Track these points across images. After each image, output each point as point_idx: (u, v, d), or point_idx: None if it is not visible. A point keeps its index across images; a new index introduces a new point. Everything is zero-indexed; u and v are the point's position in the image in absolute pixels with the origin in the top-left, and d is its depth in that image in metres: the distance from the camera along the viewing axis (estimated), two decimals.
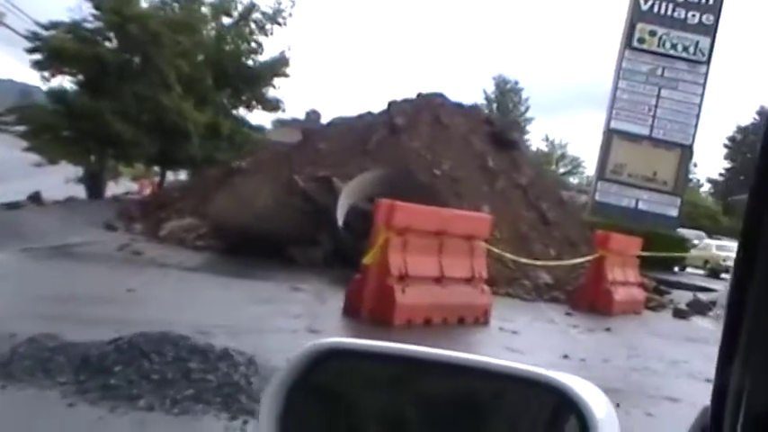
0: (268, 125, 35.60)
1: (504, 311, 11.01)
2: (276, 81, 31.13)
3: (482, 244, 10.20)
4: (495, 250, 11.35)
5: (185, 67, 20.55)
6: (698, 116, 31.54)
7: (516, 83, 71.79)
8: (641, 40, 31.26)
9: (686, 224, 50.22)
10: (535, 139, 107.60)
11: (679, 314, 14.60)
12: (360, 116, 17.61)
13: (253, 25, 30.89)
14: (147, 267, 10.80)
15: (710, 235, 42.22)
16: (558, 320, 11.30)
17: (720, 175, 75.56)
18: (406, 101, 16.86)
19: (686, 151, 32.59)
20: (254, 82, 30.49)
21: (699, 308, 15.85)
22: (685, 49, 31.20)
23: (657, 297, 15.76)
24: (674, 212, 31.89)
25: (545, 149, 77.97)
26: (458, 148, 15.87)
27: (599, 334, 10.58)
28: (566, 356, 8.25)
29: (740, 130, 72.76)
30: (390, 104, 16.37)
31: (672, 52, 31.10)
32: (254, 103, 31.54)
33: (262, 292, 9.81)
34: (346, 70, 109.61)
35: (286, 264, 12.72)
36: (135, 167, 32.55)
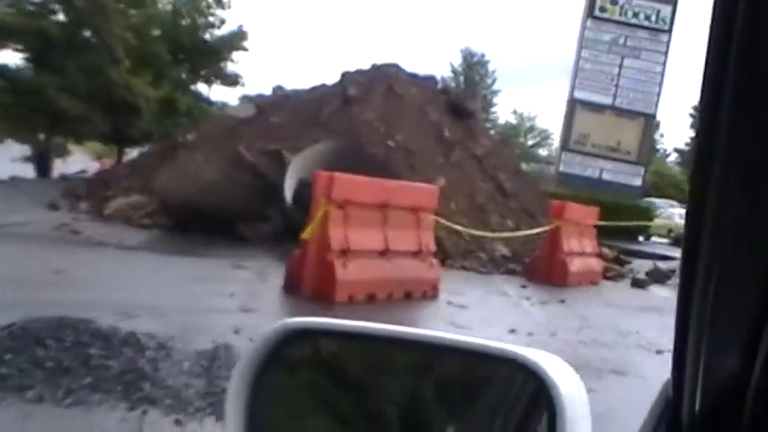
0: (235, 101, 35.02)
1: (456, 285, 10.72)
2: (235, 55, 30.53)
3: (429, 216, 9.87)
4: (444, 222, 10.99)
5: (133, 41, 19.88)
6: (660, 85, 31.45)
7: (483, 55, 71.45)
8: (603, 9, 31.02)
9: (653, 194, 50.52)
10: (503, 111, 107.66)
11: (637, 284, 14.43)
12: (314, 88, 17.16)
13: None
14: (82, 247, 10.35)
15: (683, 204, 42.31)
16: (512, 293, 11.03)
17: (686, 144, 75.94)
18: (359, 71, 16.43)
19: (649, 120, 32.55)
20: (212, 57, 29.88)
21: (658, 276, 15.70)
22: (647, 17, 31.02)
23: (617, 267, 15.58)
24: (638, 182, 31.90)
25: (513, 122, 77.88)
26: (412, 119, 15.50)
27: (552, 306, 10.33)
28: (513, 331, 7.97)
29: None
30: (343, 75, 15.94)
31: (634, 21, 30.91)
32: (213, 78, 30.94)
33: (200, 271, 9.42)
34: (313, 44, 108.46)
35: (234, 241, 12.32)
36: (86, 145, 31.80)
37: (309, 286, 8.37)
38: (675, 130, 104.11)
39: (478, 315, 8.93)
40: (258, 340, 0.96)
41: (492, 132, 72.23)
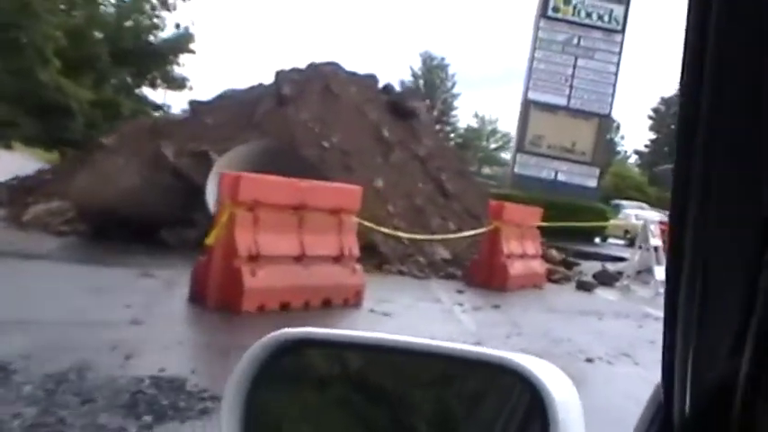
0: (183, 105, 34.19)
1: (385, 291, 10.14)
2: (183, 58, 29.75)
3: (352, 218, 9.26)
4: (367, 224, 10.39)
5: (71, 42, 19.06)
6: (615, 85, 31.27)
7: (443, 59, 71.32)
8: (556, 9, 30.75)
9: (615, 196, 50.48)
10: (465, 115, 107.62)
11: (582, 287, 13.97)
12: (251, 88, 16.51)
13: (154, 0, 29.41)
14: None
15: (656, 207, 42.19)
16: (445, 299, 10.46)
17: (646, 146, 76.42)
18: (295, 70, 15.81)
19: (604, 121, 32.36)
20: (157, 59, 29.06)
21: (605, 279, 15.28)
22: (600, 17, 30.80)
23: (563, 269, 15.10)
24: (593, 183, 31.68)
25: (475, 125, 77.71)
26: (350, 119, 14.90)
27: (484, 312, 9.77)
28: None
29: (664, 101, 73.51)
30: (278, 74, 15.30)
31: (587, 21, 30.67)
32: (159, 81, 30.11)
33: (103, 280, 8.71)
34: (271, 47, 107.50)
35: (155, 247, 11.60)
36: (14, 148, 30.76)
37: (215, 296, 7.72)
38: (635, 132, 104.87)
39: (401, 324, 8.35)
40: (252, 351, 0.95)
41: (452, 135, 71.71)
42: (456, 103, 70.47)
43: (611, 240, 34.07)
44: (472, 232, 12.76)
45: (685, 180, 0.71)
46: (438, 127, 69.62)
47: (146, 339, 6.23)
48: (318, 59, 16.21)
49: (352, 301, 8.90)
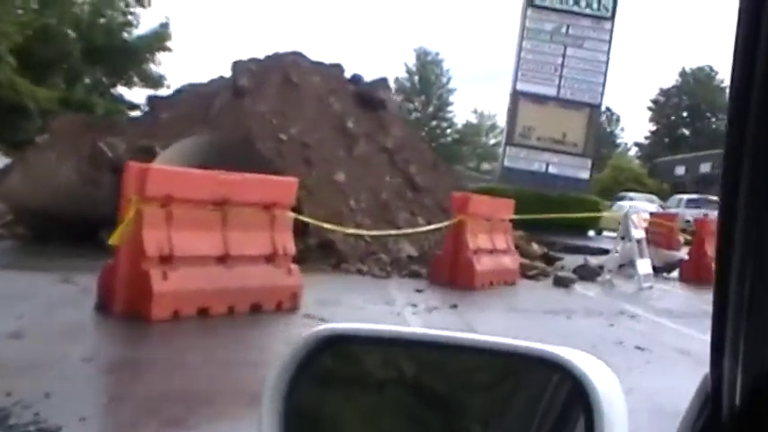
0: None
1: (333, 293, 9.36)
2: (159, 56, 28.97)
3: (287, 214, 8.43)
4: (309, 220, 9.56)
5: (17, 37, 18.24)
6: (605, 74, 30.38)
7: (437, 54, 70.62)
8: None
9: (616, 189, 49.62)
10: (463, 111, 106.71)
11: (560, 282, 13.11)
12: (211, 81, 15.70)
13: None
14: None
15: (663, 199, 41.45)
16: (400, 300, 9.62)
17: (645, 138, 75.59)
18: (253, 60, 14.99)
19: (595, 111, 31.51)
20: (132, 57, 28.26)
21: (586, 273, 14.43)
22: (589, 4, 29.91)
23: (541, 265, 14.25)
24: (585, 175, 30.78)
25: (474, 121, 76.80)
26: (311, 111, 14.08)
27: (439, 314, 8.93)
28: None
29: (663, 92, 72.66)
30: (235, 65, 14.48)
31: (575, 9, 29.78)
32: (135, 79, 29.32)
33: (10, 287, 7.89)
34: (255, 45, 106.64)
35: (93, 250, 10.77)
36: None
37: (121, 302, 6.90)
38: (636, 124, 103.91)
39: None
40: (292, 348, 0.95)
41: (449, 131, 70.76)
42: (452, 99, 69.62)
43: (606, 233, 33.16)
44: (433, 226, 11.94)
45: (734, 174, 0.70)
46: (434, 123, 69.09)
47: (16, 356, 5.42)
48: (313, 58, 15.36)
49: (286, 304, 8.07)
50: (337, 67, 15.71)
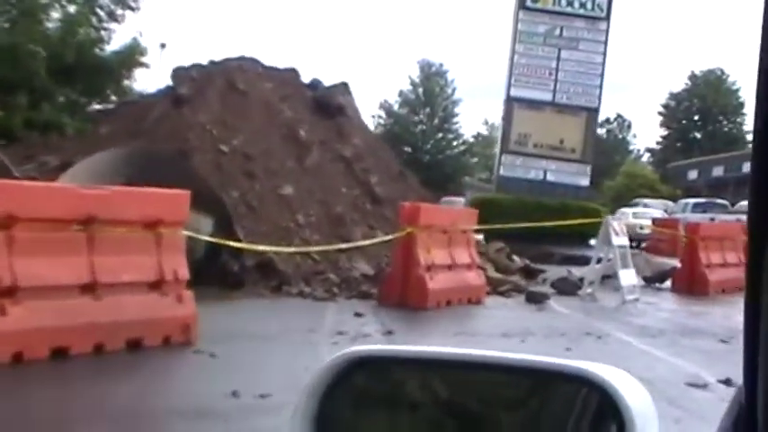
0: None
1: (248, 321, 8.25)
2: (135, 72, 27.92)
3: (178, 232, 7.23)
4: (193, 235, 8.34)
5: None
6: (602, 76, 28.99)
7: (441, 65, 69.46)
8: None
9: (631, 196, 48.30)
10: (473, 122, 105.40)
11: (533, 299, 11.84)
12: (158, 90, 14.61)
13: (100, 11, 27.69)
14: None
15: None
16: (328, 327, 8.38)
17: (657, 143, 74.14)
18: (196, 66, 13.90)
19: (593, 115, 30.06)
20: (107, 75, 27.22)
21: (566, 287, 13.15)
22: (582, 4, 28.62)
23: (514, 279, 12.97)
24: (584, 182, 29.37)
25: (485, 132, 75.43)
26: (259, 119, 12.94)
27: (366, 342, 7.68)
28: (234, 393, 5.34)
29: (673, 96, 71.17)
30: (174, 72, 13.37)
31: (568, 10, 28.49)
32: (112, 97, 28.28)
33: None
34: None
35: None
36: None
37: None
38: (647, 130, 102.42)
39: (229, 365, 6.34)
40: (320, 369, 0.96)
41: (455, 143, 69.41)
42: (457, 110, 68.38)
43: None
44: (376, 240, 10.72)
45: (764, 181, 0.70)
46: (440, 135, 67.90)
47: None
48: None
49: (177, 338, 6.87)
50: (292, 72, 14.58)
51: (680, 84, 73.01)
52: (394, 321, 8.98)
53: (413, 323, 8.99)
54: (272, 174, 12.12)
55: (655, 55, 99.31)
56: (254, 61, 14.25)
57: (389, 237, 10.53)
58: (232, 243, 9.39)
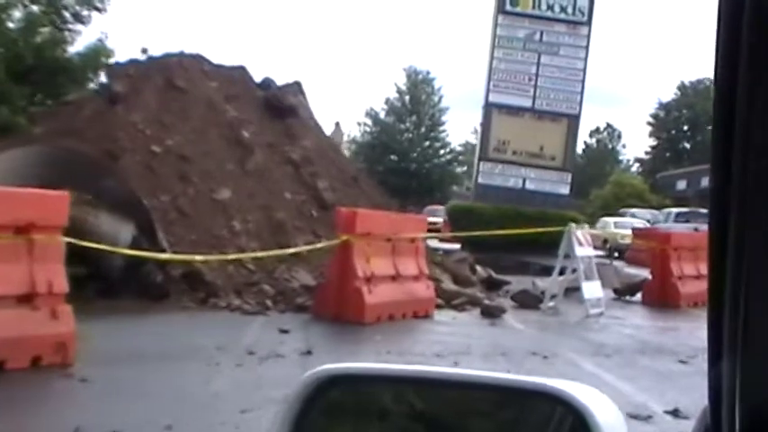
0: None
1: (154, 339, 7.29)
2: (102, 73, 27.11)
3: (57, 239, 6.36)
4: (90, 245, 7.45)
5: None
6: (583, 82, 28.22)
7: (428, 73, 68.75)
8: (514, 3, 27.82)
9: (618, 206, 47.69)
10: (461, 131, 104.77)
11: (488, 313, 11.00)
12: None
13: (65, 12, 26.92)
14: None
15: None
16: (242, 346, 7.48)
17: (646, 153, 73.70)
18: (133, 62, 13.06)
19: (573, 122, 29.24)
20: (71, 76, 26.39)
21: (528, 300, 12.32)
22: (563, 9, 27.88)
23: (469, 292, 12.11)
24: (564, 190, 28.56)
25: (474, 141, 74.67)
26: (198, 119, 12.10)
27: (273, 365, 6.82)
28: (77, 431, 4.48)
29: (662, 106, 70.69)
30: (109, 69, 12.54)
31: (549, 14, 27.73)
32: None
33: None
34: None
35: None
36: None
37: None
38: (636, 140, 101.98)
39: (96, 392, 5.47)
40: (296, 388, 0.97)
41: (442, 151, 68.63)
42: (444, 118, 67.64)
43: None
44: (307, 247, 9.85)
45: (723, 196, 0.69)
46: (427, 143, 67.16)
47: None
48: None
49: (49, 359, 6.00)
50: (240, 70, 13.73)
51: (670, 94, 72.61)
52: (321, 338, 8.14)
53: (342, 341, 8.14)
54: (209, 177, 11.27)
55: (645, 65, 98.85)
56: (199, 58, 13.40)
57: (321, 245, 9.68)
58: (132, 252, 8.51)
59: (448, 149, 70.09)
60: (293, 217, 11.54)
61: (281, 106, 13.29)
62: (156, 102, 11.89)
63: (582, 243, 11.92)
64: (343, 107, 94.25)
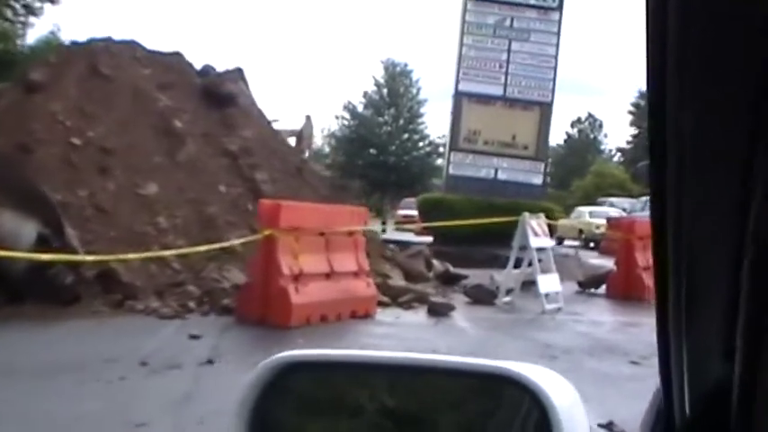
0: None
1: (40, 349, 6.49)
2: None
3: None
4: None
5: None
6: (555, 69, 27.52)
7: (406, 65, 68.11)
8: None
9: (598, 195, 47.19)
10: (442, 124, 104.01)
11: (434, 311, 10.25)
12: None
13: (16, 4, 26.05)
14: None
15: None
16: (132, 358, 6.63)
17: (628, 142, 73.43)
18: (57, 47, 12.17)
19: (546, 110, 28.50)
20: (13, 69, 25.49)
21: (482, 295, 11.58)
22: None
23: (418, 288, 11.34)
24: (537, 180, 27.84)
25: None
26: (125, 108, 11.26)
27: (156, 378, 6.02)
28: None
29: (642, 95, 70.30)
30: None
31: (519, 0, 27.07)
32: None
33: None
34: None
35: None
36: None
37: None
38: (618, 130, 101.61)
39: None
40: (254, 374, 0.95)
41: (421, 144, 68.13)
42: (422, 110, 66.95)
43: (566, 243, 30.31)
44: (225, 244, 9.04)
45: (661, 183, 0.70)
46: (406, 136, 66.45)
47: None
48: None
49: None
50: (178, 57, 12.89)
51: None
52: (233, 345, 7.35)
53: (257, 347, 7.33)
54: (134, 170, 10.45)
55: (624, 53, 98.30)
56: (130, 44, 12.55)
57: (245, 240, 8.88)
58: (19, 254, 7.68)
59: (427, 142, 69.34)
60: (226, 211, 10.73)
61: (219, 94, 12.47)
62: (79, 90, 11.05)
63: (537, 233, 11.17)
64: (322, 101, 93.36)
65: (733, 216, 0.67)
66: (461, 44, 27.36)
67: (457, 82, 27.56)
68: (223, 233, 10.39)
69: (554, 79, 27.86)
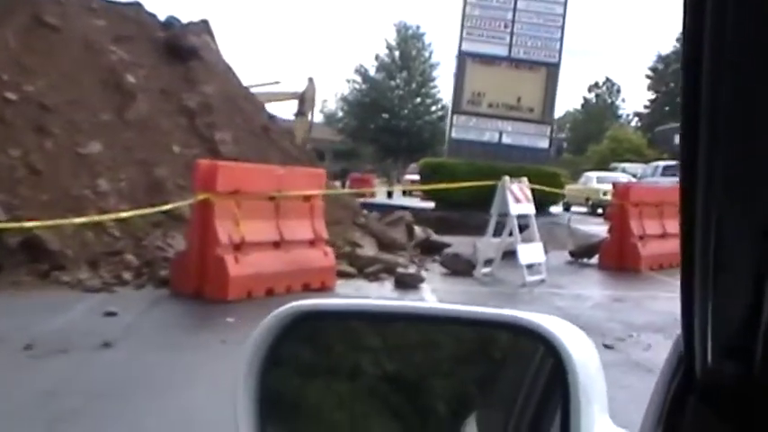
0: None
1: None
2: None
3: None
4: None
5: None
6: (562, 28, 26.26)
7: (418, 28, 66.92)
8: None
9: (614, 161, 46.01)
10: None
11: (402, 283, 9.36)
12: None
13: None
14: None
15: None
16: (20, 340, 5.83)
17: (645, 107, 72.04)
18: None
19: (552, 71, 27.33)
20: None
21: (458, 266, 10.69)
22: None
23: (387, 258, 10.44)
24: (543, 144, 26.73)
25: None
26: (71, 62, 10.36)
27: (34, 369, 5.19)
28: None
29: (661, 59, 68.74)
30: None
31: None
32: None
33: None
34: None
35: None
36: None
37: None
38: (636, 94, 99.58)
39: None
40: (266, 323, 0.93)
41: (433, 108, 67.02)
42: (435, 74, 65.74)
43: (574, 209, 29.29)
44: (154, 209, 8.15)
45: (693, 137, 0.69)
46: (418, 100, 65.24)
47: None
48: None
49: None
50: (137, 8, 11.95)
51: (668, 46, 70.63)
52: (150, 324, 6.50)
53: (176, 325, 6.50)
54: (76, 128, 9.57)
55: (642, 17, 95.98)
56: None
57: (185, 202, 8.00)
58: None
59: (440, 106, 68.12)
60: (178, 174, 9.84)
61: (181, 47, 11.53)
62: (18, 41, 10.14)
63: (519, 199, 10.21)
64: (333, 64, 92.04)
65: (764, 188, 0.68)
66: (465, 2, 26.19)
67: (460, 41, 26.40)
68: (173, 198, 9.50)
69: (561, 39, 26.62)
